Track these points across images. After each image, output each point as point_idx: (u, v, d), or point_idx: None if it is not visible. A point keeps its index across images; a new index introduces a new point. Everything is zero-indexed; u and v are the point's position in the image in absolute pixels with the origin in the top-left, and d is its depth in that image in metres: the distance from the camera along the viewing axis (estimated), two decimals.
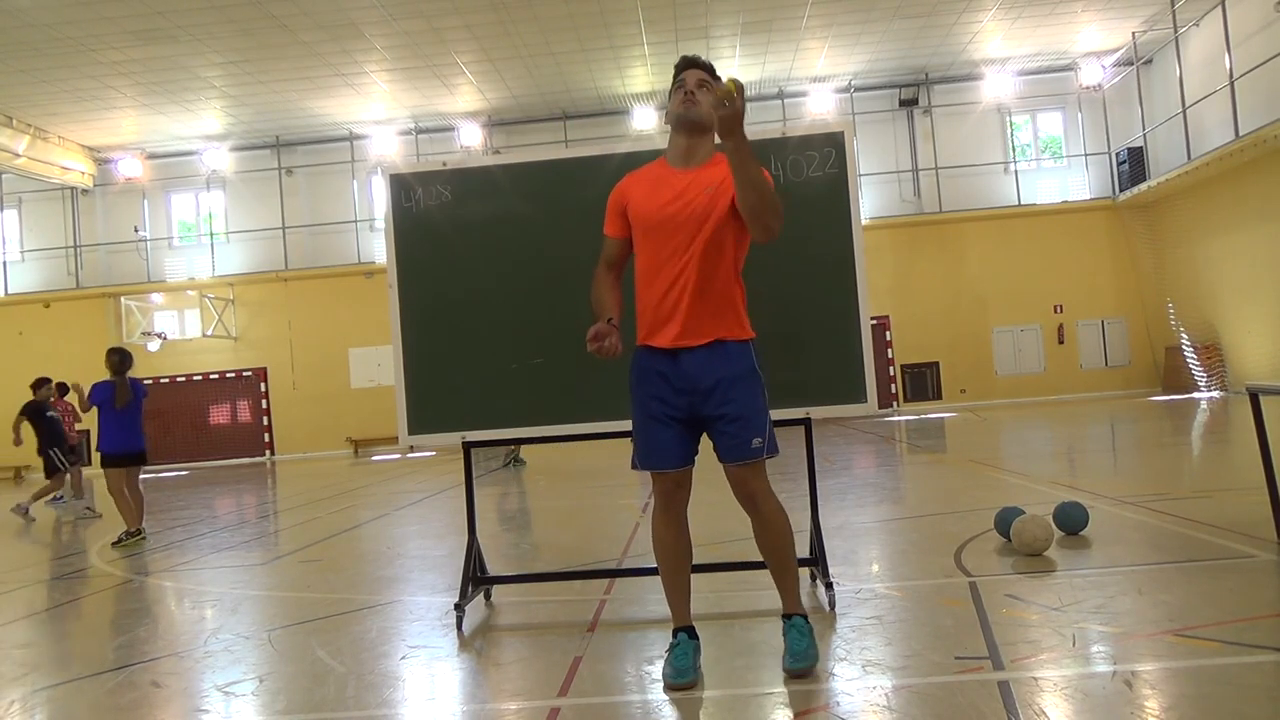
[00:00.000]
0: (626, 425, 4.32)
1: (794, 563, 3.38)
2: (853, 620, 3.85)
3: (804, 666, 3.18)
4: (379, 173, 10.92)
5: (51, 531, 9.91)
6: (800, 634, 3.26)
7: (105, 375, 8.36)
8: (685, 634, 3.35)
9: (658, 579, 3.47)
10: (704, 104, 3.19)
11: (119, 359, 8.40)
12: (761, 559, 3.41)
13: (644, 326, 3.30)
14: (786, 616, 3.34)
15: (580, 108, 22.36)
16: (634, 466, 3.38)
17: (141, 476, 8.48)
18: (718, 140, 3.06)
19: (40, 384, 11.68)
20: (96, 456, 8.52)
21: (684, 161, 3.30)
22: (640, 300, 3.32)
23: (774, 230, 3.10)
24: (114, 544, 8.03)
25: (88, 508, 11.35)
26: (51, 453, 11.47)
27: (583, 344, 3.13)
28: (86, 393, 8.56)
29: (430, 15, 16.77)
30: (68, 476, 11.73)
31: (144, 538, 8.21)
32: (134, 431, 8.37)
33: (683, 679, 3.19)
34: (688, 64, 3.33)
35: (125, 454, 8.31)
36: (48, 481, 11.52)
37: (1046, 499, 6.23)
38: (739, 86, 2.86)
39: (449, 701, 3.33)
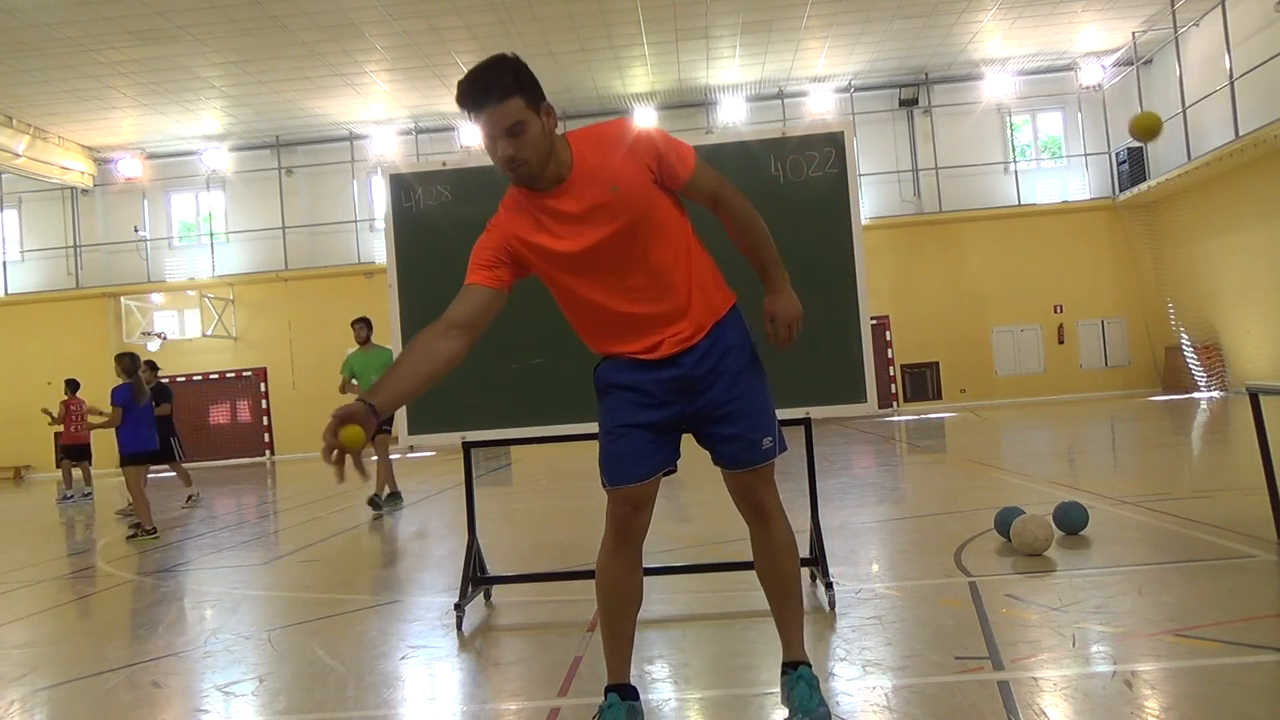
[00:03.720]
0: None
1: (800, 593, 2.81)
2: (853, 620, 3.84)
3: None
4: (379, 173, 10.90)
5: (53, 532, 9.90)
6: (810, 688, 2.67)
7: (111, 375, 8.87)
8: (617, 694, 2.68)
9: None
10: (532, 161, 2.49)
11: (130, 361, 8.91)
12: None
13: (622, 347, 2.70)
14: (791, 665, 2.73)
15: (580, 108, 22.33)
16: (605, 486, 2.69)
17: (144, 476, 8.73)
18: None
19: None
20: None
21: (554, 185, 2.57)
22: (604, 336, 2.73)
23: None
24: (129, 539, 8.44)
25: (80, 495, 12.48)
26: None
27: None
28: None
29: (430, 15, 16.77)
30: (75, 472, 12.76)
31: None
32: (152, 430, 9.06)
33: None
34: (472, 104, 2.44)
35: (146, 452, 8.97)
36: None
37: (1046, 499, 6.23)
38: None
39: (449, 701, 3.33)
